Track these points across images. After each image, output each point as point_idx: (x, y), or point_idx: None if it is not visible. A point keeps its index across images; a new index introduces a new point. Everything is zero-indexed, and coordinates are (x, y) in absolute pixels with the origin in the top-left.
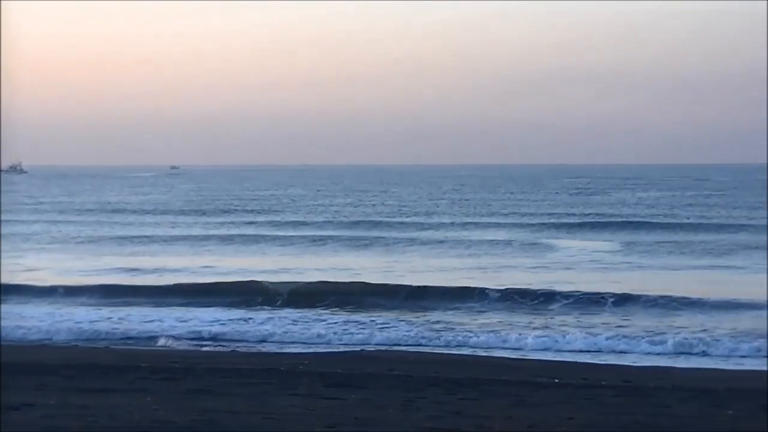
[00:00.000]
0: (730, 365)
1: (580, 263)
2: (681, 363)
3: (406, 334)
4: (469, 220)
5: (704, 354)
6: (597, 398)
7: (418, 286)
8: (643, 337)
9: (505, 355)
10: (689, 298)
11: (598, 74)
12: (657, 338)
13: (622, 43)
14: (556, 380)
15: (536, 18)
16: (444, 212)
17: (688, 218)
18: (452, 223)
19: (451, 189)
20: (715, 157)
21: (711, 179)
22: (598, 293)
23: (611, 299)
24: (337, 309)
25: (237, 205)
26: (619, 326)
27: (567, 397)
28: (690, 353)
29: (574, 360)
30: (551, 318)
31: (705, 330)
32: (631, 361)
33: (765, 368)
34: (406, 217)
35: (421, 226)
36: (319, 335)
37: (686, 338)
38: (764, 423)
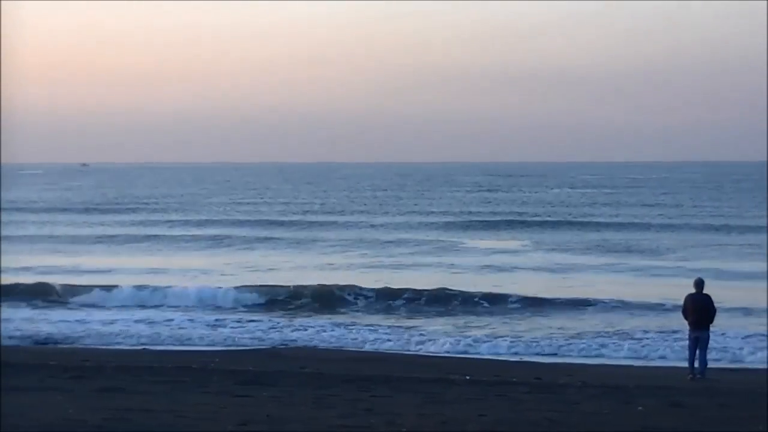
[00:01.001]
0: (638, 362)
1: (488, 263)
2: (591, 360)
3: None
4: (382, 219)
5: (614, 352)
6: (508, 395)
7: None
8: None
9: (417, 353)
10: (593, 300)
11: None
12: (565, 337)
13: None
14: (468, 377)
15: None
16: (356, 210)
17: (599, 216)
18: (360, 222)
19: (361, 186)
20: (643, 156)
21: (628, 177)
22: (505, 294)
23: (515, 300)
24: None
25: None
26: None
27: (479, 394)
28: (601, 352)
29: (486, 357)
30: (459, 318)
31: (613, 328)
32: (543, 359)
33: (673, 365)
34: (313, 215)
35: (325, 224)
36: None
37: (599, 336)
38: (673, 419)
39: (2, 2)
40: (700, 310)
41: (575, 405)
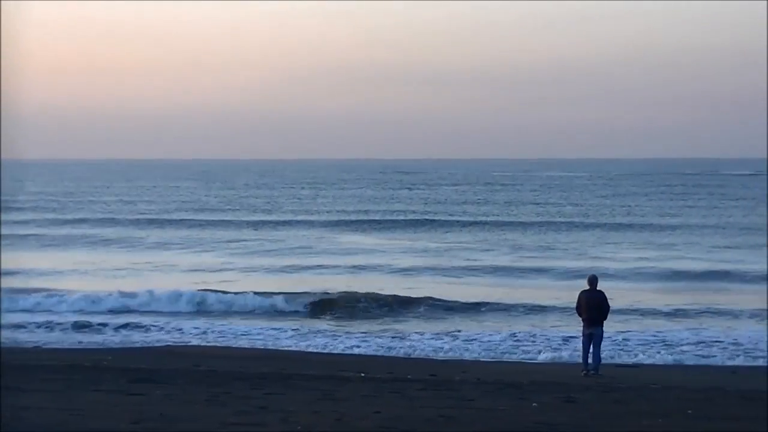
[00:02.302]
0: (533, 359)
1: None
2: (486, 357)
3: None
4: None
5: (509, 349)
6: (403, 392)
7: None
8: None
9: (310, 350)
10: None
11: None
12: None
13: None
14: (363, 374)
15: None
16: (238, 209)
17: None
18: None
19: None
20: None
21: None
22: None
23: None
24: None
25: None
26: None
27: (373, 391)
28: (496, 349)
29: (381, 354)
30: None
31: (510, 327)
32: (433, 356)
33: (567, 361)
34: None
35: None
36: None
37: (496, 333)
38: (566, 415)
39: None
40: (593, 307)
41: (470, 401)
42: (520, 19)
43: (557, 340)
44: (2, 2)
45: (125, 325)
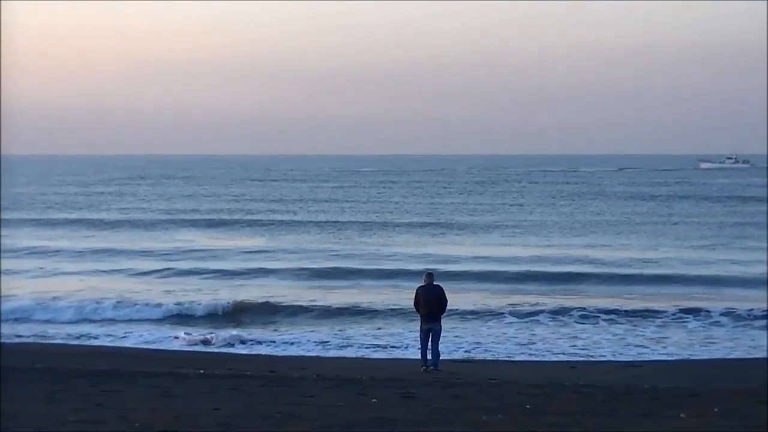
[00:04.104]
0: (372, 355)
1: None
2: (326, 353)
3: None
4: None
5: (349, 345)
6: (242, 388)
7: None
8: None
9: (151, 347)
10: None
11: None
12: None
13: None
14: (202, 371)
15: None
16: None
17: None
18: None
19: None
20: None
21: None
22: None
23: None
24: None
25: None
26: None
27: (212, 388)
28: (337, 346)
29: (219, 351)
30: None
31: (347, 324)
32: (277, 352)
33: (406, 357)
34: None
35: None
36: None
37: (335, 330)
38: (405, 410)
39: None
40: (432, 302)
41: (310, 398)
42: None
43: (397, 336)
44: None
45: None
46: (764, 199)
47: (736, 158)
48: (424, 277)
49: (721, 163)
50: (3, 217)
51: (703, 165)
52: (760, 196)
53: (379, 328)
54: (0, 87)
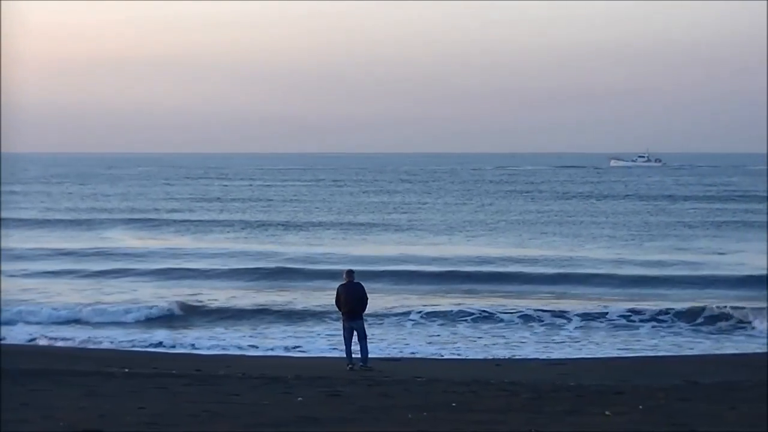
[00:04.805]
0: (298, 353)
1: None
2: (251, 352)
3: None
4: None
5: (274, 343)
6: (167, 387)
7: None
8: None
9: (75, 346)
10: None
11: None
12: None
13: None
14: (127, 370)
15: None
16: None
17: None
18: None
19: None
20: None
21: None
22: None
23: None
24: None
25: None
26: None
27: (138, 387)
28: (261, 344)
29: (145, 350)
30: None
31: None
32: (200, 351)
33: (332, 356)
34: None
35: None
36: None
37: (257, 329)
38: (330, 408)
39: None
40: (353, 300)
41: (235, 396)
42: None
43: (322, 335)
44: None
45: None
46: (678, 198)
47: (648, 157)
48: (344, 275)
49: (632, 161)
50: None
51: (614, 163)
52: (673, 195)
53: (304, 327)
54: None
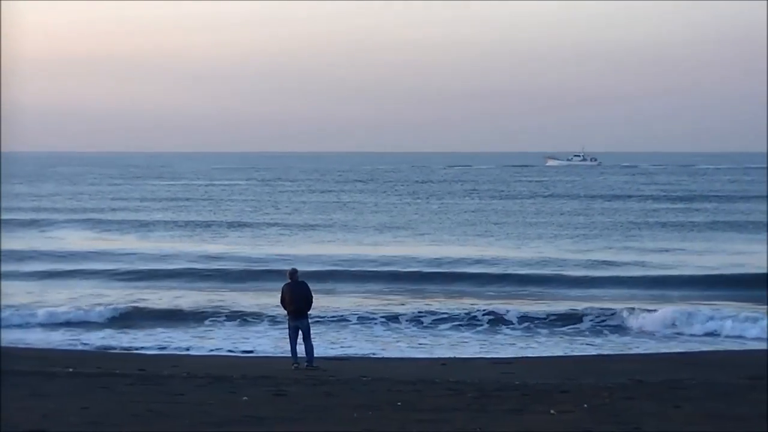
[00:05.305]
0: (244, 353)
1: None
2: (196, 351)
3: None
4: None
5: (218, 343)
6: (112, 387)
7: None
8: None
9: (17, 346)
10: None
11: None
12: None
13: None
14: (71, 370)
15: None
16: None
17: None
18: None
19: None
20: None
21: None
22: None
23: None
24: None
25: None
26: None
27: (81, 387)
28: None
29: (90, 350)
30: None
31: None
32: (145, 351)
33: (277, 355)
34: None
35: None
36: None
37: (201, 327)
38: (276, 408)
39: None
40: (299, 299)
41: (180, 396)
42: None
43: (267, 335)
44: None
45: None
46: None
47: (583, 156)
48: (288, 274)
49: (568, 160)
50: None
51: (550, 162)
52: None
53: (249, 327)
54: None
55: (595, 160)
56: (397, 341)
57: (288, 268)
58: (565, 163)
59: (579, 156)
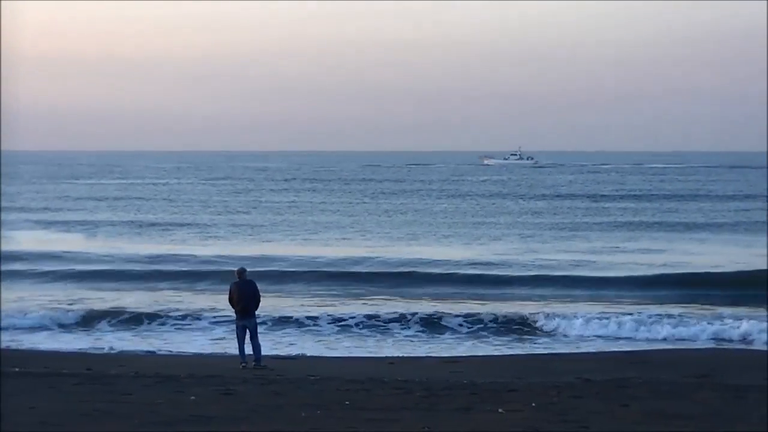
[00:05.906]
0: (193, 352)
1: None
2: (144, 350)
3: None
4: None
5: (169, 342)
6: (59, 387)
7: None
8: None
9: None
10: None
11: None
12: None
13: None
14: (17, 369)
15: None
16: None
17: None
18: None
19: None
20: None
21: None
22: None
23: None
24: None
25: None
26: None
27: (29, 386)
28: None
29: (36, 349)
30: None
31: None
32: (92, 350)
33: (225, 354)
34: None
35: None
36: None
37: (150, 327)
38: (223, 407)
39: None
40: (246, 297)
41: (128, 395)
42: None
43: (215, 333)
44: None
45: None
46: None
47: (520, 155)
48: (236, 273)
49: (505, 159)
50: None
51: (487, 161)
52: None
53: (197, 326)
54: None
55: (532, 158)
56: (345, 341)
57: (236, 267)
58: (502, 161)
59: (516, 155)
